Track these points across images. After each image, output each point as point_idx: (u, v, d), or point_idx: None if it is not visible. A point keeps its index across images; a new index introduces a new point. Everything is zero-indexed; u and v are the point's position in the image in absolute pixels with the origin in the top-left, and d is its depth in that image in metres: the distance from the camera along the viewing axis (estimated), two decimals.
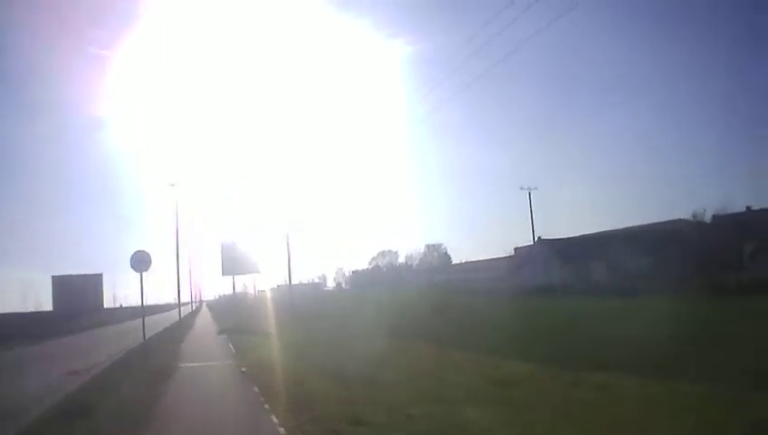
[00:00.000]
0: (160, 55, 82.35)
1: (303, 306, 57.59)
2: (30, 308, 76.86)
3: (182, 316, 59.06)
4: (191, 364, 21.16)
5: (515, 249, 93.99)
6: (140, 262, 25.49)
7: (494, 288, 67.08)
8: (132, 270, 25.44)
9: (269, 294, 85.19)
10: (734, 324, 21.19)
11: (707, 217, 63.33)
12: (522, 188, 74.12)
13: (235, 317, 48.68)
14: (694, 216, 63.65)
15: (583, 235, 73.03)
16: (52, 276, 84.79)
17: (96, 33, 67.74)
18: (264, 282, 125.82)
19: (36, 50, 71.67)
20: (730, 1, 78.54)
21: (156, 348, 26.36)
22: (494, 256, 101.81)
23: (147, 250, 25.84)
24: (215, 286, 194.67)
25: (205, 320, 61.57)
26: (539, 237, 73.79)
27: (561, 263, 67.16)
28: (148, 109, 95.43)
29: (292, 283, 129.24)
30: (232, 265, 53.43)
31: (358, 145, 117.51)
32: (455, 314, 38.27)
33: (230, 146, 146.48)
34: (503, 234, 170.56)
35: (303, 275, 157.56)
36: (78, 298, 79.43)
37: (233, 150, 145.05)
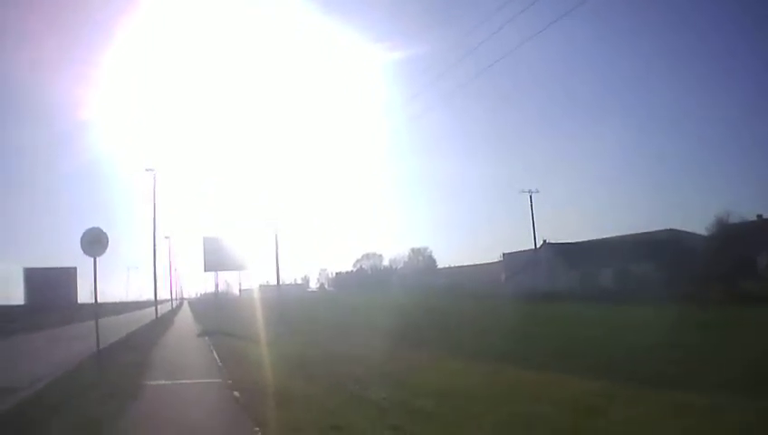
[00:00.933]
0: (147, 53, 77.01)
1: (291, 308, 51.85)
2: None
3: (160, 315, 53.24)
4: (162, 383, 14.96)
5: (504, 254, 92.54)
6: (93, 243, 18.50)
7: (493, 292, 62.22)
8: (86, 254, 18.59)
9: (256, 294, 79.47)
10: None
11: (731, 220, 58.48)
12: (522, 192, 70.64)
13: (218, 317, 42.95)
14: (718, 219, 58.88)
15: (589, 240, 68.98)
16: (24, 269, 77.66)
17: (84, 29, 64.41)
18: (246, 280, 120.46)
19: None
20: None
21: (120, 354, 20.42)
22: (482, 262, 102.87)
23: (101, 229, 18.91)
24: (197, 284, 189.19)
25: (185, 319, 55.21)
26: (544, 241, 68.91)
27: (567, 268, 62.27)
28: (132, 104, 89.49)
29: (274, 284, 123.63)
30: (215, 260, 47.61)
31: (344, 147, 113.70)
32: (466, 320, 33.06)
33: (216, 142, 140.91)
34: (489, 239, 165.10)
35: (286, 276, 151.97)
36: (51, 292, 73.02)
37: (218, 147, 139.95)
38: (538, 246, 69.55)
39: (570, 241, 69.59)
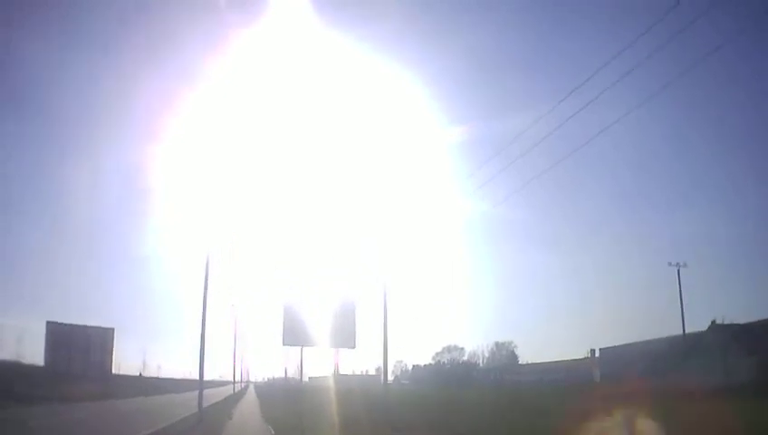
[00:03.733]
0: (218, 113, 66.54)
1: (394, 405, 34.83)
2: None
3: (216, 401, 37.46)
4: None
5: (600, 350, 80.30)
6: None
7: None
8: None
9: (330, 382, 61.96)
10: None
11: None
12: (670, 265, 58.69)
13: (299, 416, 26.51)
14: None
15: (760, 320, 51.82)
16: (48, 322, 59.28)
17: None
18: (316, 366, 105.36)
19: None
20: None
21: None
22: (564, 358, 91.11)
23: None
24: (265, 367, 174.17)
25: (249, 415, 37.37)
26: (713, 322, 52.35)
27: (743, 355, 46.00)
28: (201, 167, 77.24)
29: (342, 373, 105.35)
30: (295, 333, 31.39)
31: (424, 235, 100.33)
32: None
33: (291, 213, 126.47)
34: (572, 335, 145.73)
35: (357, 366, 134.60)
36: (79, 356, 56.64)
37: (295, 218, 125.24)
38: (701, 329, 54.13)
39: (740, 322, 52.43)
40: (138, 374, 70.53)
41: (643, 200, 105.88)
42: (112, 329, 62.06)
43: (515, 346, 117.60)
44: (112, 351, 61.93)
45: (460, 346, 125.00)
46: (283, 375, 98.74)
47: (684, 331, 56.19)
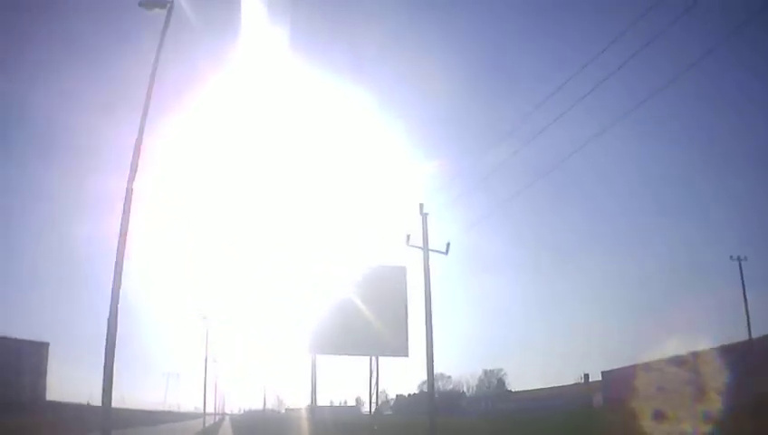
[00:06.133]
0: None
1: None
2: None
3: None
4: None
5: (601, 373, 69.01)
6: None
7: None
8: None
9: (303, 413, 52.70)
10: None
11: None
12: (732, 258, 53.25)
13: None
14: None
15: None
16: None
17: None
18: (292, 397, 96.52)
19: None
20: None
21: None
22: (557, 384, 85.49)
23: None
24: (240, 398, 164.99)
25: None
26: None
27: None
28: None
29: (318, 404, 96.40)
30: (321, 338, 24.26)
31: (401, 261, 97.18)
32: None
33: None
34: (562, 362, 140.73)
35: (334, 397, 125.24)
36: (6, 377, 45.00)
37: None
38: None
39: None
40: (85, 403, 58.25)
41: (621, 218, 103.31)
42: (47, 344, 52.39)
43: (505, 374, 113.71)
44: (46, 372, 50.46)
45: (447, 374, 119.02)
46: (261, 407, 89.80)
47: (750, 335, 49.24)
